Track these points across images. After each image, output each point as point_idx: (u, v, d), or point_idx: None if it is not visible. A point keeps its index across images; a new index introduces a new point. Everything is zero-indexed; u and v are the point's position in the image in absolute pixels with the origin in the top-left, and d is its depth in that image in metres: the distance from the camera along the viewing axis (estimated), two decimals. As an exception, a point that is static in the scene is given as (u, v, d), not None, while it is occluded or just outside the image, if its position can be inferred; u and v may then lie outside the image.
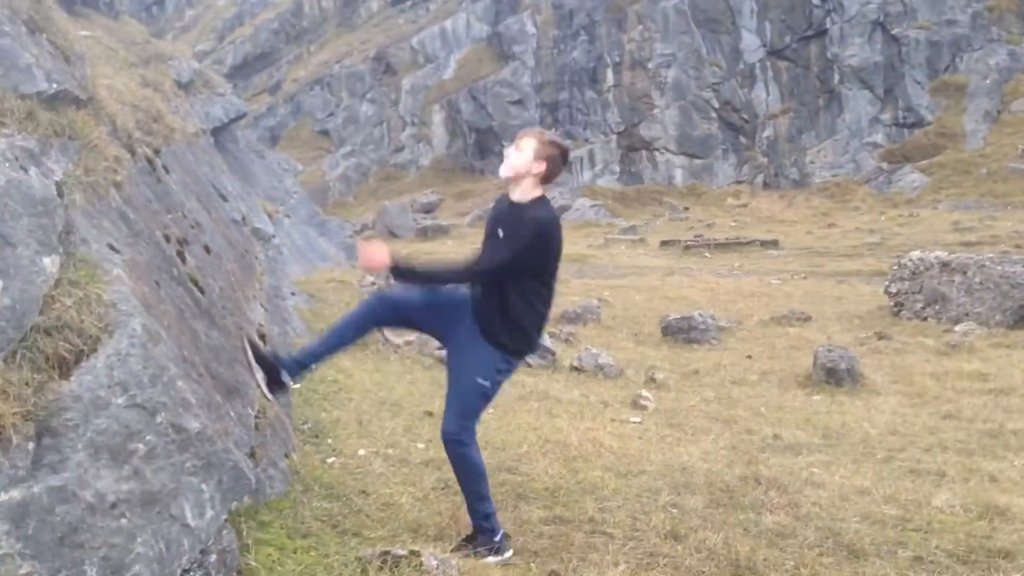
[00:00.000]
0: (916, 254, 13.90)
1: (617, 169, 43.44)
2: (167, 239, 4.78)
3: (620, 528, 4.53)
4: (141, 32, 13.71)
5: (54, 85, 3.77)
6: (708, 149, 42.82)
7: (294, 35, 57.08)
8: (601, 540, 4.35)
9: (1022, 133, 37.24)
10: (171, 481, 2.87)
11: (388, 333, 8.94)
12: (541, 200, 4.15)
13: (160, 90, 8.99)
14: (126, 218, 4.09)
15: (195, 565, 2.92)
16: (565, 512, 4.73)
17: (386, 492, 4.68)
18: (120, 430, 2.76)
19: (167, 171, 6.03)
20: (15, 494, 2.48)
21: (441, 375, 8.21)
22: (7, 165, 3.09)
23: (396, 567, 3.51)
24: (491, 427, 6.46)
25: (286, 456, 4.64)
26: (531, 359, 9.35)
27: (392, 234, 33.29)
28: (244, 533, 3.43)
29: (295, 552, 3.59)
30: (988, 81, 39.39)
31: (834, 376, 8.87)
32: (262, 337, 6.00)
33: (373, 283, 13.14)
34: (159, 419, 2.88)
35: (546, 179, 4.18)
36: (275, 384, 4.19)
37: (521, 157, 4.14)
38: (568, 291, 17.20)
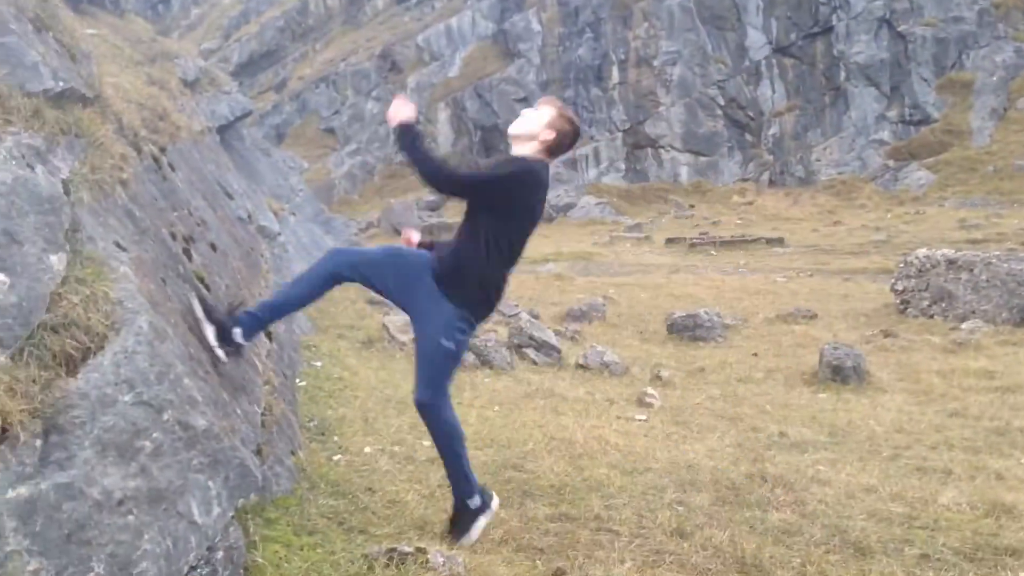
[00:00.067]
0: (922, 252, 13.87)
1: (622, 167, 43.40)
2: (173, 237, 4.78)
3: (626, 525, 4.53)
4: (147, 30, 13.72)
5: (60, 83, 3.77)
6: (713, 147, 42.75)
7: (300, 33, 57.11)
8: (607, 537, 4.35)
9: (1029, 130, 37.15)
10: (178, 478, 2.87)
11: (393, 331, 8.95)
12: (540, 159, 4.18)
13: (166, 88, 9.00)
14: (132, 216, 4.10)
15: (202, 562, 2.93)
16: (571, 509, 4.73)
17: (392, 489, 4.69)
18: (127, 427, 2.77)
19: (173, 169, 6.04)
20: (22, 491, 2.48)
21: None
22: (14, 163, 3.10)
23: (402, 564, 3.51)
24: (496, 424, 6.47)
25: (292, 453, 4.65)
26: (536, 357, 9.36)
27: (397, 232, 33.29)
28: (251, 530, 3.44)
29: (302, 549, 3.59)
30: (995, 78, 39.27)
31: (840, 374, 8.85)
32: (268, 335, 6.00)
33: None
34: (166, 416, 2.89)
35: (550, 150, 4.20)
36: (226, 343, 4.00)
37: (535, 118, 4.16)
38: (573, 289, 17.22)
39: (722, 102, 43.11)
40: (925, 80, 40.28)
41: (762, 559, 4.11)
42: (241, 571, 3.17)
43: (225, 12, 61.70)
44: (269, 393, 4.75)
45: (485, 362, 8.78)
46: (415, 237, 4.57)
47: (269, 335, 6.02)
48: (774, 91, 42.90)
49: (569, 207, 38.38)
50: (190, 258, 4.91)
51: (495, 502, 4.31)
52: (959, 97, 39.47)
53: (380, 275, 4.23)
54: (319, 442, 5.42)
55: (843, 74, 41.43)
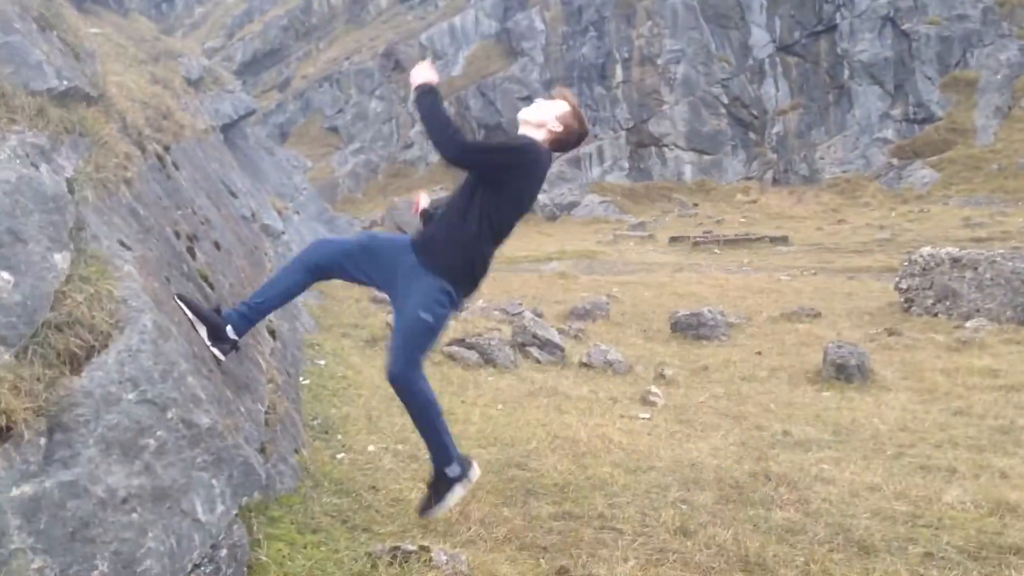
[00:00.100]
0: (927, 250, 13.86)
1: (626, 165, 43.37)
2: (177, 235, 4.79)
3: (629, 524, 4.53)
4: (151, 29, 13.72)
5: (65, 82, 3.78)
6: (717, 145, 42.72)
7: (303, 32, 57.12)
8: (610, 536, 4.35)
9: (1033, 128, 37.09)
10: (182, 476, 2.88)
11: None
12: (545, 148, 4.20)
13: (170, 87, 9.01)
14: (136, 214, 4.11)
15: (206, 560, 2.93)
16: (574, 508, 4.73)
17: (396, 488, 4.69)
18: (131, 425, 2.77)
19: (177, 168, 6.05)
20: (27, 489, 2.49)
21: (451, 371, 8.28)
22: (18, 162, 3.10)
23: (406, 562, 3.52)
24: (500, 423, 6.47)
25: (296, 452, 4.65)
26: (540, 355, 9.36)
27: (401, 230, 33.31)
28: (254, 528, 3.44)
29: (305, 547, 3.60)
30: (999, 76, 39.21)
31: (844, 372, 8.85)
32: (272, 333, 6.01)
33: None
34: (170, 415, 2.90)
35: (555, 143, 4.21)
36: (220, 340, 3.97)
37: (549, 107, 4.19)
38: (577, 287, 17.22)
39: (726, 100, 43.08)
40: (929, 78, 40.22)
41: (766, 557, 4.11)
42: (245, 569, 3.18)
43: (229, 11, 61.71)
44: (273, 391, 4.75)
45: (489, 360, 8.78)
46: (424, 201, 4.51)
47: (273, 333, 6.02)
48: (778, 89, 42.86)
49: (573, 206, 38.38)
50: (194, 257, 4.91)
51: (475, 472, 4.27)
52: (963, 95, 39.42)
53: (356, 264, 4.22)
54: (323, 440, 5.42)
55: (847, 72, 41.38)
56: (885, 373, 9.12)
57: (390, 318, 9.38)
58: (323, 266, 4.24)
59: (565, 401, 7.62)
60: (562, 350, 9.65)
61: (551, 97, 4.32)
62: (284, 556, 3.44)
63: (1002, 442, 6.61)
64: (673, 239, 28.68)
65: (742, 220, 34.37)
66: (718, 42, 43.66)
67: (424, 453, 5.42)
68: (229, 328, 4.00)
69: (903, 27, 40.77)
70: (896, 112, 40.55)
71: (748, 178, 41.84)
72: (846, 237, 27.37)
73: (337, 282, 12.91)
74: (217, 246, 5.90)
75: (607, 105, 44.31)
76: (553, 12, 47.21)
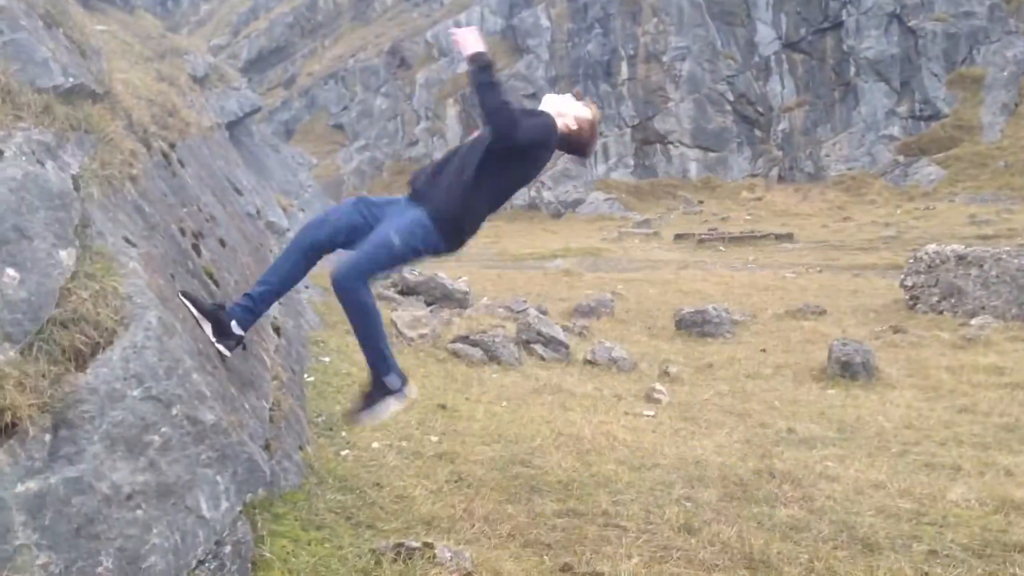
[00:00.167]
0: (932, 247, 13.83)
1: (631, 162, 43.36)
2: (182, 232, 4.80)
3: (633, 521, 4.53)
4: (156, 26, 13.73)
5: (70, 79, 3.78)
6: (723, 142, 42.69)
7: (309, 29, 57.17)
8: (614, 533, 4.35)
9: (1040, 126, 37.00)
10: (186, 473, 2.88)
11: (401, 326, 8.96)
12: None
13: (175, 84, 9.01)
14: (142, 211, 4.11)
15: (210, 556, 2.94)
16: (578, 505, 4.73)
17: (400, 485, 4.69)
18: (136, 422, 2.78)
19: (182, 165, 6.06)
20: (32, 485, 2.50)
21: (455, 368, 8.28)
22: (24, 159, 3.11)
23: (410, 559, 3.52)
24: (504, 420, 6.48)
25: (300, 449, 4.66)
26: (544, 353, 9.36)
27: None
28: (259, 525, 3.45)
29: (309, 544, 3.60)
30: (1005, 73, 39.11)
31: (849, 370, 8.84)
32: (276, 330, 6.02)
33: (387, 276, 13.16)
34: (174, 411, 2.90)
35: (562, 137, 4.26)
36: (225, 336, 3.94)
37: (576, 105, 4.23)
38: (581, 284, 17.22)
39: (731, 98, 43.04)
40: (935, 75, 40.13)
41: (770, 555, 4.11)
42: (249, 565, 3.18)
43: (234, 8, 61.78)
44: (277, 388, 4.76)
45: (493, 358, 8.79)
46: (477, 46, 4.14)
47: (278, 330, 6.03)
48: (783, 87, 42.81)
49: (578, 203, 38.40)
50: (199, 254, 4.92)
51: (412, 390, 4.27)
52: (969, 92, 39.33)
53: (354, 226, 4.21)
54: (327, 437, 5.43)
55: (853, 69, 41.31)
56: (890, 371, 9.11)
57: (394, 315, 9.40)
58: (320, 242, 4.23)
59: (569, 398, 7.62)
60: (566, 347, 9.65)
61: (581, 99, 4.36)
62: (288, 553, 3.45)
63: (1007, 440, 6.60)
64: (678, 236, 28.68)
65: (747, 217, 34.36)
66: (724, 39, 43.61)
67: (428, 450, 5.44)
68: (234, 324, 3.98)
69: (909, 24, 40.68)
70: (902, 109, 40.48)
71: (753, 175, 41.81)
72: (851, 234, 27.34)
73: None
74: (222, 243, 5.91)
75: (612, 102, 44.28)
76: (559, 9, 47.20)
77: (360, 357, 7.84)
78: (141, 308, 3.06)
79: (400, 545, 3.60)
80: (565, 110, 4.23)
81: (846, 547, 4.29)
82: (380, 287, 12.31)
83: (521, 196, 39.13)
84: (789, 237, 27.00)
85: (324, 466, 4.71)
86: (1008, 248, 13.92)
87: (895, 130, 40.26)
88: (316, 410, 5.96)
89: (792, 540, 4.36)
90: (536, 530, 4.31)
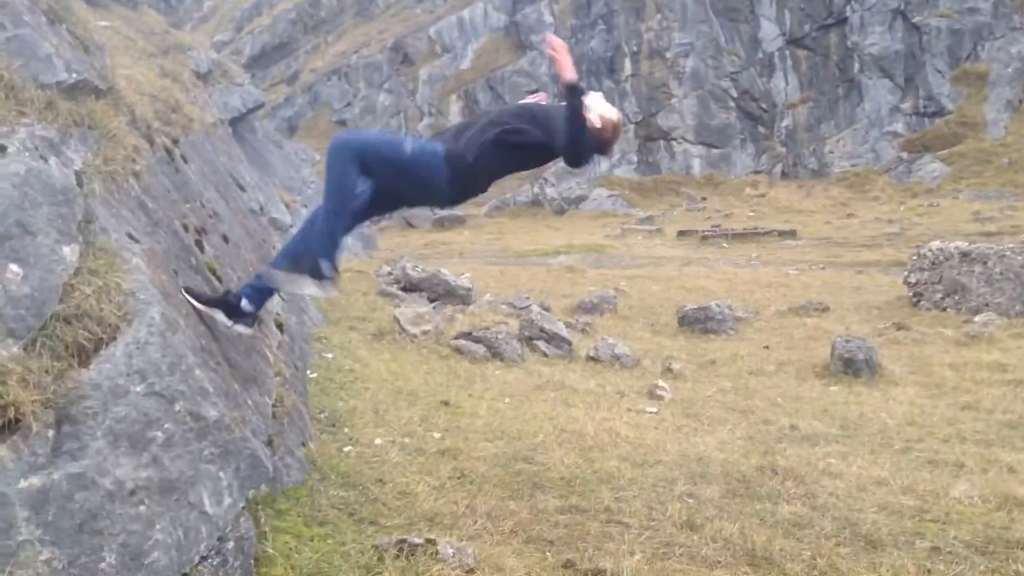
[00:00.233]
0: (936, 244, 13.81)
1: (635, 159, 43.28)
2: (185, 228, 4.80)
3: (636, 518, 4.53)
4: (160, 22, 13.75)
5: (74, 75, 3.79)
6: (726, 139, 42.61)
7: (312, 25, 57.13)
8: (617, 529, 4.35)
9: (1044, 122, 36.93)
10: (189, 469, 2.89)
11: (404, 323, 8.96)
12: None
13: (179, 80, 9.02)
14: (145, 207, 4.11)
15: (213, 552, 2.94)
16: (581, 501, 4.73)
17: (402, 481, 4.70)
18: (139, 418, 2.78)
19: (185, 161, 6.06)
20: (35, 481, 2.50)
21: (458, 365, 8.28)
22: (27, 155, 3.11)
23: (412, 555, 3.53)
24: (507, 416, 6.48)
25: (303, 445, 4.66)
26: (547, 349, 9.36)
27: (409, 224, 33.37)
28: (261, 521, 3.45)
29: (312, 540, 3.61)
30: (1010, 70, 39.00)
31: (852, 366, 8.83)
32: (279, 327, 6.02)
33: (390, 273, 13.17)
34: (177, 407, 2.91)
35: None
36: (241, 316, 3.97)
37: (603, 105, 4.30)
38: (585, 281, 17.21)
39: (735, 94, 42.95)
40: (940, 72, 40.02)
41: (772, 552, 4.11)
42: (252, 562, 3.19)
43: (237, 4, 61.74)
44: (280, 384, 4.76)
45: (496, 354, 8.79)
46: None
47: (280, 327, 6.04)
48: (787, 83, 42.71)
49: (581, 199, 38.36)
50: (202, 250, 4.92)
51: (332, 291, 4.19)
52: (974, 89, 39.22)
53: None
54: (330, 433, 5.43)
55: (857, 66, 41.20)
56: (893, 367, 9.10)
57: (397, 312, 9.40)
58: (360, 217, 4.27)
59: (572, 395, 7.62)
60: (569, 344, 9.64)
61: (616, 108, 4.42)
62: (291, 549, 3.45)
63: (1010, 437, 6.60)
64: (681, 233, 28.66)
65: (750, 214, 34.32)
66: (727, 35, 43.52)
67: (430, 447, 5.44)
68: (244, 302, 4.02)
69: (913, 20, 40.57)
70: (906, 106, 40.37)
71: (757, 172, 41.72)
72: (855, 231, 27.31)
73: (345, 275, 12.92)
74: (225, 239, 5.92)
75: (616, 99, 44.13)
76: (562, 5, 47.13)
77: (363, 353, 7.87)
78: (144, 304, 3.06)
79: (403, 541, 3.61)
80: (592, 108, 4.24)
81: (849, 544, 4.29)
82: (383, 284, 12.32)
83: (524, 192, 39.14)
84: (792, 234, 26.98)
85: (327, 462, 4.72)
86: (1012, 245, 13.88)
87: (899, 127, 40.15)
88: (319, 406, 5.97)
89: (795, 537, 4.36)
90: (538, 526, 4.32)
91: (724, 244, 25.94)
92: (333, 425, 5.65)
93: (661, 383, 8.14)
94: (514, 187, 38.91)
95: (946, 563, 4.10)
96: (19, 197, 2.90)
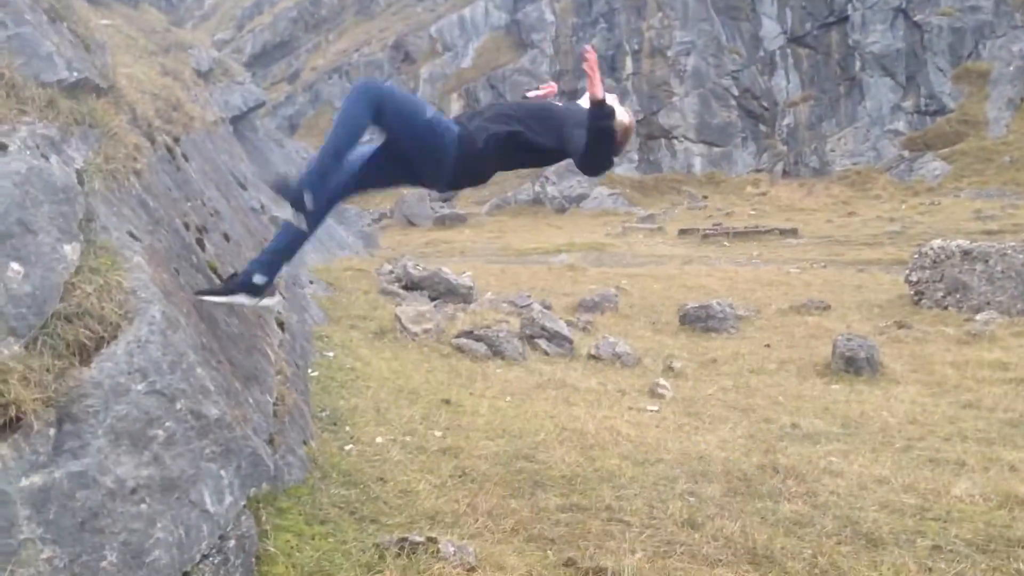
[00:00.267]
0: (937, 243, 13.80)
1: (636, 157, 43.24)
2: (186, 227, 4.80)
3: (637, 516, 4.53)
4: (161, 21, 13.76)
5: (75, 73, 3.79)
6: (727, 137, 42.59)
7: (313, 24, 57.12)
8: (618, 528, 4.35)
9: (1046, 121, 36.91)
10: (190, 467, 2.89)
11: (406, 321, 8.96)
12: None
13: (180, 79, 9.02)
14: (146, 206, 4.12)
15: (214, 550, 2.94)
16: (582, 500, 4.73)
17: (404, 479, 4.70)
18: (140, 416, 2.78)
19: (186, 159, 6.06)
20: (36, 479, 2.50)
21: (459, 363, 8.28)
22: (28, 153, 3.11)
23: (413, 554, 3.53)
24: (508, 415, 6.48)
25: (304, 443, 4.67)
26: (548, 347, 9.36)
27: (410, 222, 33.37)
28: (263, 519, 3.45)
29: (313, 538, 3.61)
30: (1011, 68, 38.97)
31: (853, 365, 8.83)
32: (280, 325, 6.02)
33: (391, 271, 13.17)
34: (178, 405, 2.91)
35: None
36: (259, 290, 4.03)
37: (617, 109, 4.24)
38: (586, 279, 17.20)
39: (736, 92, 42.94)
40: (941, 70, 40.00)
41: (773, 550, 4.11)
42: (253, 560, 3.19)
43: (238, 2, 61.75)
44: (281, 383, 4.76)
45: (497, 353, 8.79)
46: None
47: (282, 325, 6.04)
48: (788, 81, 42.70)
49: (582, 198, 38.34)
50: (203, 248, 4.93)
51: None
52: (975, 87, 39.19)
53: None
54: (331, 432, 5.43)
55: (858, 64, 41.18)
56: (894, 366, 9.10)
57: (398, 310, 9.40)
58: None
59: (573, 393, 7.62)
60: (570, 342, 9.64)
61: (629, 111, 4.41)
62: (292, 547, 3.46)
63: (1012, 435, 6.59)
64: (682, 231, 28.64)
65: (752, 212, 34.30)
66: (728, 34, 43.50)
67: (431, 445, 5.44)
68: (256, 276, 4.06)
69: (915, 18, 40.54)
70: (907, 104, 40.34)
71: (758, 170, 41.71)
72: (856, 230, 27.29)
73: (346, 274, 12.89)
74: (227, 238, 5.92)
75: (617, 97, 44.13)
76: (563, 4, 47.11)
77: (364, 352, 7.87)
78: (145, 302, 3.07)
79: (404, 540, 3.61)
80: (622, 118, 4.27)
81: (850, 542, 4.29)
82: (385, 282, 12.32)
83: (525, 191, 39.12)
84: (793, 232, 26.96)
85: (328, 461, 4.72)
86: (1013, 243, 13.87)
87: (900, 125, 40.13)
88: (320, 405, 5.97)
89: (796, 535, 4.36)
90: (540, 525, 4.32)
91: (725, 242, 25.93)
92: (334, 423, 5.65)
93: (662, 381, 8.14)
94: (515, 185, 38.92)
95: (947, 561, 4.10)
96: (20, 195, 2.89)
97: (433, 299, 11.89)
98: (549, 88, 4.77)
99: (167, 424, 2.85)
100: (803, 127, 41.79)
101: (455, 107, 46.80)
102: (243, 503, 3.16)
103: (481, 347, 8.78)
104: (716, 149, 42.51)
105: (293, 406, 4.73)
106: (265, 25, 57.07)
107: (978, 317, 11.68)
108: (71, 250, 3.02)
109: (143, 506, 2.69)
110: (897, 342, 10.66)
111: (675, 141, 43.08)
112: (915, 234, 24.14)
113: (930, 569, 4.00)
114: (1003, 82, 38.80)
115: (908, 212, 30.32)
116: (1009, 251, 12.57)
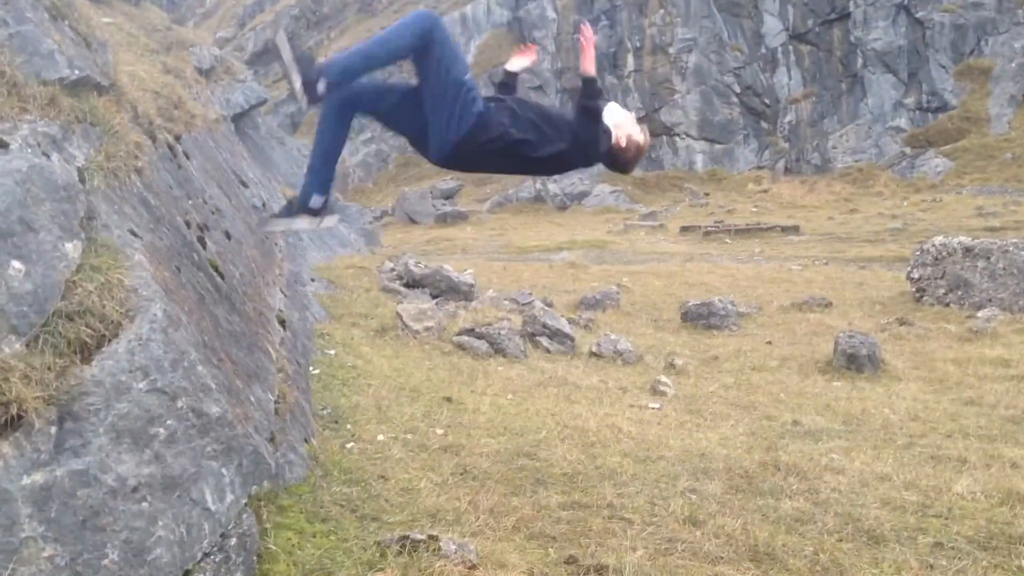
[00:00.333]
0: (939, 239, 13.79)
1: (637, 155, 43.20)
2: (188, 225, 4.80)
3: (638, 513, 4.54)
4: (162, 19, 13.73)
5: (76, 71, 3.79)
6: (729, 134, 42.57)
7: (315, 22, 57.11)
8: (619, 525, 4.36)
9: (1048, 117, 36.87)
10: (192, 465, 2.89)
11: (407, 319, 8.96)
12: None
13: (181, 77, 9.02)
14: (147, 204, 4.12)
15: (215, 549, 2.95)
16: (583, 497, 4.73)
17: (405, 477, 4.70)
18: (141, 414, 2.79)
19: (188, 157, 6.06)
20: (38, 478, 2.51)
21: (461, 361, 8.28)
22: (29, 151, 3.11)
23: (415, 551, 3.53)
24: (509, 412, 6.48)
25: (306, 441, 4.67)
26: (550, 345, 9.36)
27: (412, 220, 33.37)
28: (264, 517, 3.46)
29: (314, 536, 3.61)
30: (1014, 65, 38.92)
31: (855, 362, 8.82)
32: (282, 323, 6.03)
33: (392, 269, 13.17)
34: (180, 404, 2.91)
35: (607, 152, 4.37)
36: (316, 212, 4.13)
37: (633, 127, 4.33)
38: (587, 277, 17.19)
39: (738, 89, 42.91)
40: (943, 67, 39.96)
41: (775, 547, 4.11)
42: (254, 558, 3.19)
43: (240, 1, 61.74)
44: (283, 381, 4.77)
45: (498, 350, 8.79)
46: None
47: (283, 323, 6.04)
48: (790, 78, 42.66)
49: (583, 195, 38.30)
50: (204, 246, 4.93)
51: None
52: (977, 84, 39.15)
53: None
54: (332, 430, 5.43)
55: (860, 61, 41.14)
56: (896, 363, 9.10)
57: (400, 308, 9.40)
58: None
59: (575, 391, 7.62)
60: (572, 340, 9.64)
61: (641, 121, 4.44)
62: (293, 545, 3.46)
63: (1013, 432, 6.59)
64: (684, 229, 28.62)
65: (753, 209, 34.27)
66: (730, 31, 43.46)
67: (433, 443, 5.44)
68: (313, 198, 4.22)
69: (917, 15, 40.50)
70: (909, 101, 40.31)
71: (760, 167, 41.69)
72: (858, 227, 27.26)
73: (348, 272, 12.88)
74: (228, 236, 5.92)
75: (618, 94, 44.13)
76: (565, 1, 47.07)
77: (365, 349, 7.87)
78: (146, 300, 3.07)
79: (405, 537, 3.61)
80: (622, 126, 4.25)
81: (851, 539, 4.29)
82: (386, 280, 12.32)
83: (527, 188, 39.09)
84: (795, 229, 26.94)
85: (329, 459, 4.72)
86: (1015, 240, 13.85)
87: (902, 122, 40.10)
88: (321, 403, 5.97)
89: (797, 532, 4.36)
90: (541, 522, 4.32)
91: (727, 240, 25.91)
92: (336, 421, 5.66)
93: (664, 379, 8.14)
94: (516, 183, 38.87)
95: (948, 559, 4.10)
96: (21, 194, 2.90)
97: (435, 297, 11.89)
98: (530, 50, 4.74)
99: (168, 422, 2.85)
100: (805, 124, 41.76)
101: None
102: (244, 501, 3.17)
103: (482, 345, 8.78)
104: (718, 146, 42.49)
105: (294, 404, 4.73)
106: (267, 23, 57.02)
107: (980, 314, 11.67)
108: (72, 248, 3.02)
109: (144, 504, 2.69)
110: (899, 339, 10.66)
111: (677, 138, 43.05)
112: (917, 231, 24.11)
113: (931, 566, 4.00)
114: (1005, 79, 38.75)
115: (910, 209, 30.29)
116: (1011, 248, 12.56)
